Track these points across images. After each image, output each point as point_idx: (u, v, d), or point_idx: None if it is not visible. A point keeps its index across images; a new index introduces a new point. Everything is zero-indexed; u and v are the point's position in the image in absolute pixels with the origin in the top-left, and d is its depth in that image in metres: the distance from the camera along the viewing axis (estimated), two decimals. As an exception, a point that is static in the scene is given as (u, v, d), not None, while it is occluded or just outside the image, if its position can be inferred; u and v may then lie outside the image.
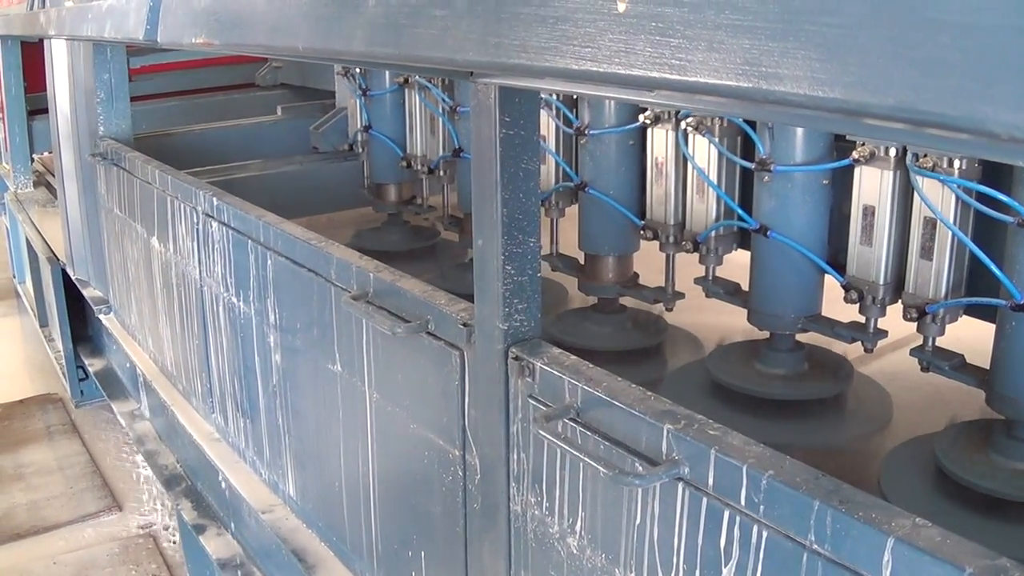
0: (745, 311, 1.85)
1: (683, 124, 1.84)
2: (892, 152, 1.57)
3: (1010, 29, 0.59)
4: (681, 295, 2.02)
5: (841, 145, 1.68)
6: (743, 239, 1.89)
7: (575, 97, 2.11)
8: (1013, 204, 1.42)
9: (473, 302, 1.55)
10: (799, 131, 1.68)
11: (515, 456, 1.52)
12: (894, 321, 1.68)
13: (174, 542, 3.75)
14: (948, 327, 1.60)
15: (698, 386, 1.94)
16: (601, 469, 1.25)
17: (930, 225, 1.56)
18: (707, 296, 1.93)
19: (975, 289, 1.57)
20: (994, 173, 1.48)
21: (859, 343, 1.73)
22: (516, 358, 1.47)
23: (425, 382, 1.75)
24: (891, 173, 1.58)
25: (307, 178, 3.58)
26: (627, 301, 2.20)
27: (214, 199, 2.56)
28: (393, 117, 2.94)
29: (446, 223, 2.75)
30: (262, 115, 4.61)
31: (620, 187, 2.03)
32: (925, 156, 1.51)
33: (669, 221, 1.95)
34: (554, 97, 2.13)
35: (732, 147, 1.81)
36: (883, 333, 1.70)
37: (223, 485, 2.79)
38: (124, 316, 3.83)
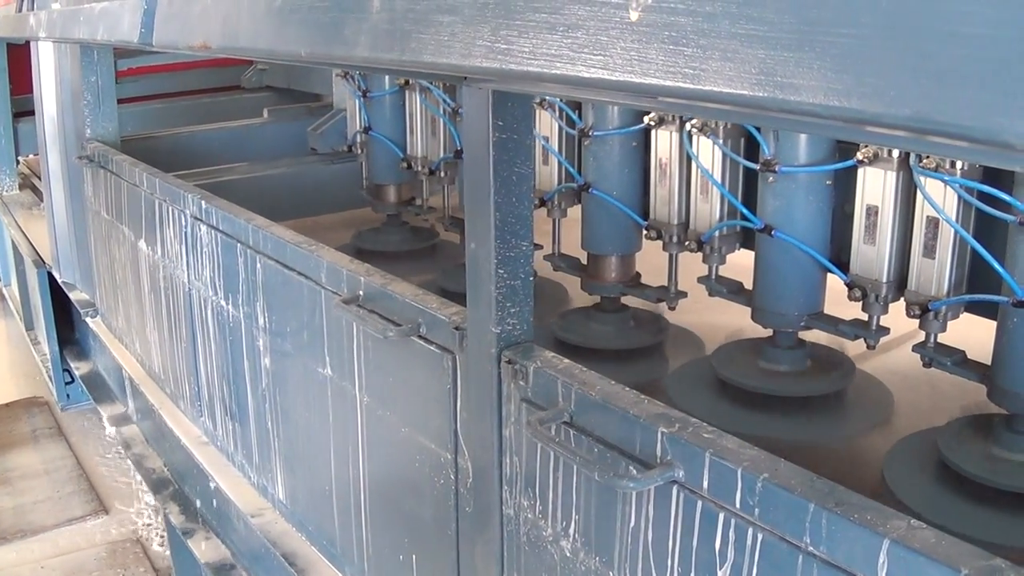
0: (746, 311, 1.87)
1: (688, 126, 1.85)
2: (895, 154, 1.59)
3: (1026, 40, 0.59)
4: (684, 294, 2.04)
5: (843, 146, 1.69)
6: (745, 239, 1.91)
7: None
8: (1014, 203, 1.44)
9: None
10: (803, 133, 1.70)
11: (508, 459, 1.51)
12: (892, 318, 1.69)
13: (162, 546, 3.74)
14: (950, 324, 1.62)
15: (702, 382, 1.96)
16: (595, 473, 1.25)
17: (932, 224, 1.57)
18: (711, 295, 1.95)
19: (976, 286, 1.58)
20: (995, 172, 1.50)
21: (860, 340, 1.75)
22: (509, 361, 1.47)
23: (416, 386, 1.75)
24: (894, 174, 1.59)
25: (296, 180, 3.58)
26: (628, 301, 2.21)
27: (202, 202, 2.55)
28: (393, 118, 2.94)
29: (447, 224, 2.76)
30: (248, 117, 4.60)
31: (624, 188, 2.05)
32: (928, 157, 1.52)
33: (673, 221, 1.97)
34: (558, 99, 2.14)
35: (736, 148, 1.83)
36: (885, 330, 1.72)
37: (212, 489, 2.78)
38: (111, 319, 3.81)
